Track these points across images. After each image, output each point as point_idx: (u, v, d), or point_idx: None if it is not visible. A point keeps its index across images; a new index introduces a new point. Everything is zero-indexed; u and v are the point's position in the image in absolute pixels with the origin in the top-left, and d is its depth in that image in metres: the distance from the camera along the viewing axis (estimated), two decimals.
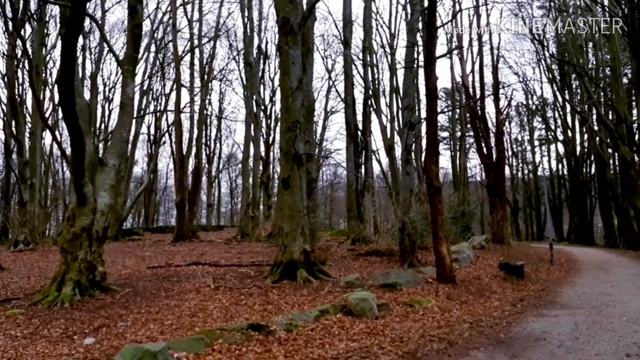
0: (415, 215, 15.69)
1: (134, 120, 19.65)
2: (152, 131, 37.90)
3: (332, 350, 6.12)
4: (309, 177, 14.22)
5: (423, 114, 17.97)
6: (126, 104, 11.46)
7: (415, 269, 13.50)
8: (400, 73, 24.13)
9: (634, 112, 26.90)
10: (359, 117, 25.15)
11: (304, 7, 13.29)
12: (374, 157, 31.99)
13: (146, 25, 28.83)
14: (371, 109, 26.88)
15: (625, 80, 27.62)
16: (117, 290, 9.85)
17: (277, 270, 11.19)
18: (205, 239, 23.92)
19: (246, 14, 26.36)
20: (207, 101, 33.52)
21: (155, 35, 30.55)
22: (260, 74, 30.98)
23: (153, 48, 30.96)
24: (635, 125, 23.81)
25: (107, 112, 36.38)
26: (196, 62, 27.79)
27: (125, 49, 13.02)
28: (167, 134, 36.01)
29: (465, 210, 24.70)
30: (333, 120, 72.32)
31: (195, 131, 25.48)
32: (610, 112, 26.96)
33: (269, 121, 35.65)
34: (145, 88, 31.05)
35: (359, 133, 24.54)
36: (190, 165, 25.99)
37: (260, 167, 29.48)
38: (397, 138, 26.77)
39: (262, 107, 32.70)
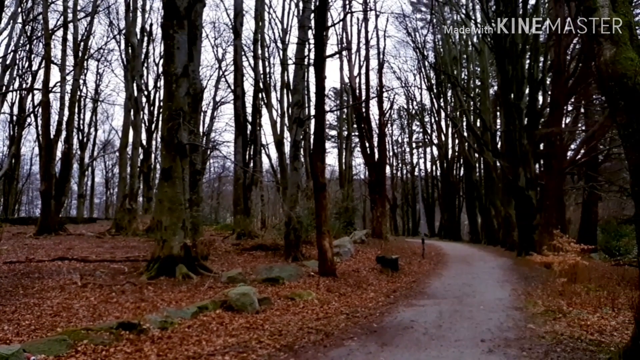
0: (302, 210, 15.93)
1: None
2: (16, 111, 33.76)
3: (209, 347, 6.01)
4: (192, 168, 13.68)
5: (313, 111, 18.28)
6: None
7: (299, 263, 13.73)
8: (292, 69, 24.34)
9: (498, 121, 30.04)
10: (249, 110, 24.89)
11: None
12: (263, 151, 31.93)
13: None
14: (262, 102, 26.72)
15: (492, 92, 30.77)
16: None
17: (154, 266, 10.62)
18: (74, 232, 21.90)
19: None
20: (81, 81, 30.67)
21: (23, 5, 27.17)
22: (143, 57, 29.06)
23: (20, 19, 27.52)
24: (498, 134, 26.50)
25: None
26: (70, 37, 25.22)
27: None
28: (32, 115, 32.36)
29: (349, 206, 25.76)
30: (222, 111, 70.46)
31: (66, 113, 23.06)
32: (478, 120, 29.85)
33: (151, 108, 33.62)
34: (8, 62, 27.53)
35: (249, 126, 24.26)
36: (58, 151, 23.49)
37: (141, 156, 27.72)
38: (287, 133, 26.96)
39: (145, 92, 30.74)
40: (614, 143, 20.97)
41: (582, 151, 21.24)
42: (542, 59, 21.42)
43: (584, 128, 24.08)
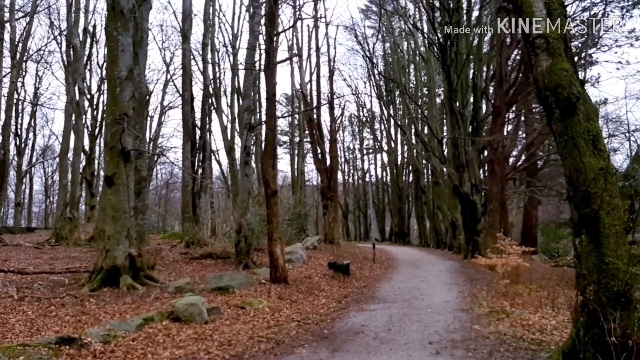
0: (253, 217, 15.73)
1: None
2: None
3: None
4: (138, 175, 13.22)
5: (264, 117, 18.12)
6: None
7: (250, 271, 13.55)
8: (242, 74, 24.07)
9: (445, 128, 30.98)
10: (198, 115, 24.36)
11: None
12: (213, 157, 31.36)
13: None
14: (212, 107, 26.26)
15: (438, 100, 31.71)
16: None
17: (96, 277, 10.15)
18: (10, 242, 20.59)
19: None
20: (19, 84, 29.08)
21: None
22: (86, 59, 27.92)
23: None
24: (444, 141, 27.28)
25: None
26: (7, 38, 23.89)
27: None
28: None
29: (301, 212, 25.68)
30: (170, 116, 68.87)
31: (2, 117, 21.93)
32: (425, 128, 30.65)
33: (95, 112, 32.23)
34: None
35: (198, 131, 23.77)
36: None
37: (83, 162, 26.54)
38: (237, 139, 26.59)
39: (87, 96, 29.48)
40: (552, 150, 22.06)
41: (523, 158, 22.26)
42: (485, 69, 22.32)
43: (524, 136, 25.20)
